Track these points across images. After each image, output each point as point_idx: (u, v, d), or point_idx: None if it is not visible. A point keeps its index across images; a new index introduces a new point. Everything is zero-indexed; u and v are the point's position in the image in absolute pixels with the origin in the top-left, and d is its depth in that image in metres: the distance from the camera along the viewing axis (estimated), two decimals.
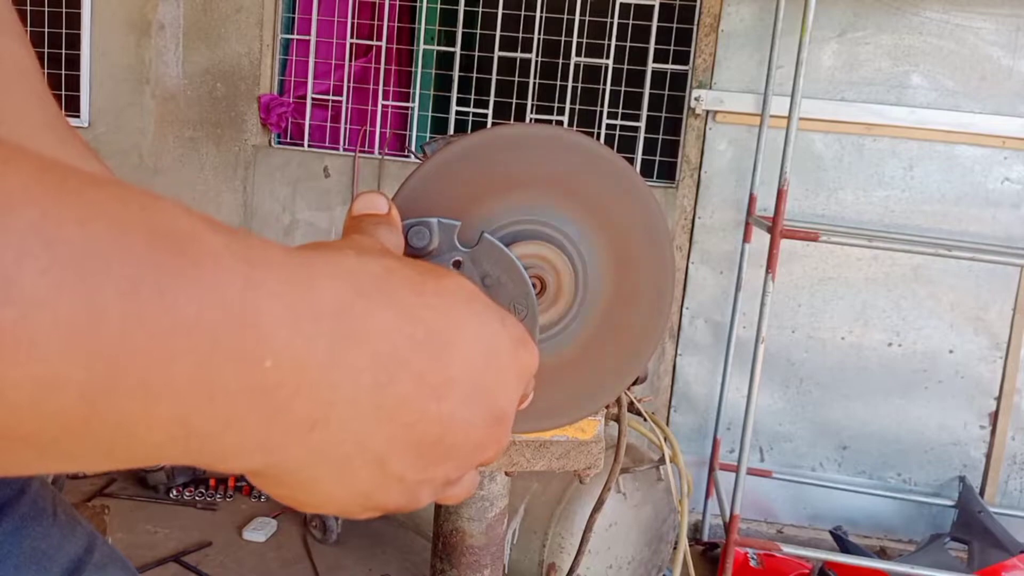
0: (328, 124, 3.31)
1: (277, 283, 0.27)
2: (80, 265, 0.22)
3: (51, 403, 0.22)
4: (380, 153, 3.21)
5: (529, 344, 0.36)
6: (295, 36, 3.28)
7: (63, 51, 3.28)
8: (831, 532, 2.76)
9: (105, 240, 0.23)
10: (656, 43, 3.03)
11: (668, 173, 3.12)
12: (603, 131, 3.11)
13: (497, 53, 3.14)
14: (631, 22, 3.04)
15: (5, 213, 0.21)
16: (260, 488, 0.32)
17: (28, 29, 3.24)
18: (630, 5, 3.03)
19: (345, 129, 3.29)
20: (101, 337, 0.22)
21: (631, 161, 2.69)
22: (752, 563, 2.60)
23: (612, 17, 3.04)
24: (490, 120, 3.17)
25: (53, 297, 0.21)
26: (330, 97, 3.28)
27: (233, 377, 0.26)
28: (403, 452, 0.31)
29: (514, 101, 3.17)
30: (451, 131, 3.21)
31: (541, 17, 3.11)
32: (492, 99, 3.15)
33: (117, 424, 0.24)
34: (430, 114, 3.31)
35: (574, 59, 3.09)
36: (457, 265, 0.43)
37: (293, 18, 3.29)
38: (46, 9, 3.25)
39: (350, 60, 3.27)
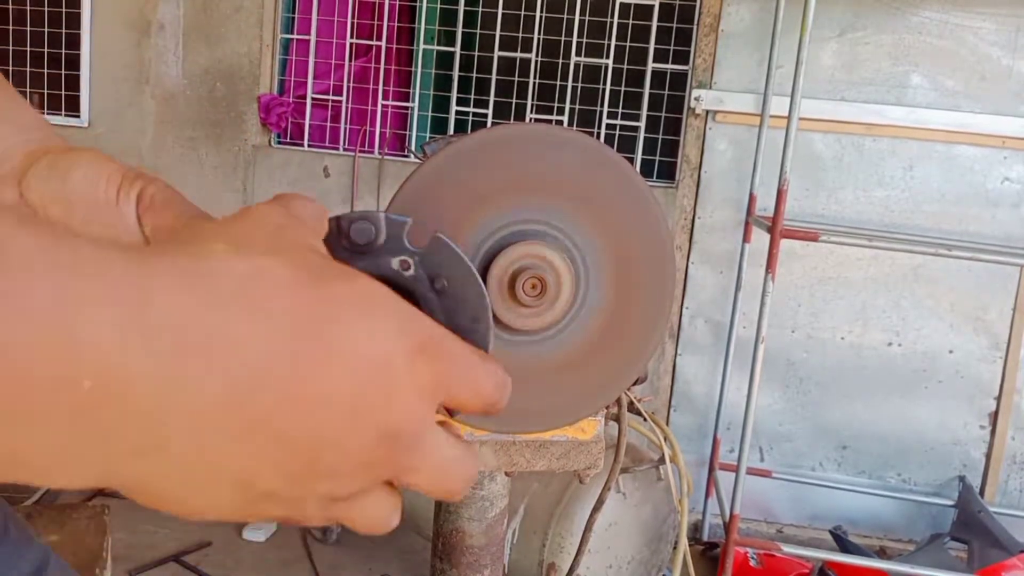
0: (328, 124, 3.31)
1: (102, 295, 0.24)
2: None
3: None
4: (380, 153, 3.21)
5: (440, 352, 0.31)
6: (295, 36, 3.28)
7: (63, 51, 3.28)
8: (831, 532, 2.76)
9: None
10: (656, 43, 3.03)
11: (668, 173, 3.12)
12: (603, 131, 3.11)
13: (497, 53, 3.14)
14: (631, 22, 3.04)
15: None
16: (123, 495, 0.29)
17: (28, 29, 3.25)
18: (630, 5, 3.03)
19: (345, 129, 3.29)
20: None
21: (631, 161, 2.69)
22: (752, 563, 2.60)
23: (612, 17, 3.04)
24: (490, 120, 3.17)
25: None
26: (330, 97, 3.28)
27: (47, 400, 0.23)
28: (270, 471, 0.28)
29: (514, 101, 3.17)
30: (451, 131, 3.21)
31: (541, 17, 3.12)
32: (492, 99, 3.16)
33: None
34: (430, 114, 3.31)
35: (574, 59, 3.10)
36: (404, 266, 0.38)
37: (293, 18, 3.29)
38: (46, 9, 3.25)
39: (350, 60, 3.27)
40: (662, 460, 2.02)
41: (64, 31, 3.26)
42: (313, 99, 3.28)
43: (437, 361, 0.31)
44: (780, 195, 2.29)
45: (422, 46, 3.25)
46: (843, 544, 2.67)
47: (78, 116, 3.29)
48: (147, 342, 0.25)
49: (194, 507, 0.29)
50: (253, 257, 0.28)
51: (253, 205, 0.33)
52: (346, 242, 0.38)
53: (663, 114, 3.08)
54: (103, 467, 0.26)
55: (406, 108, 3.32)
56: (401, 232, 0.38)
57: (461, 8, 3.12)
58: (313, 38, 3.24)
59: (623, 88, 3.10)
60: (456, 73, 3.18)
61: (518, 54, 3.14)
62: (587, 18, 3.10)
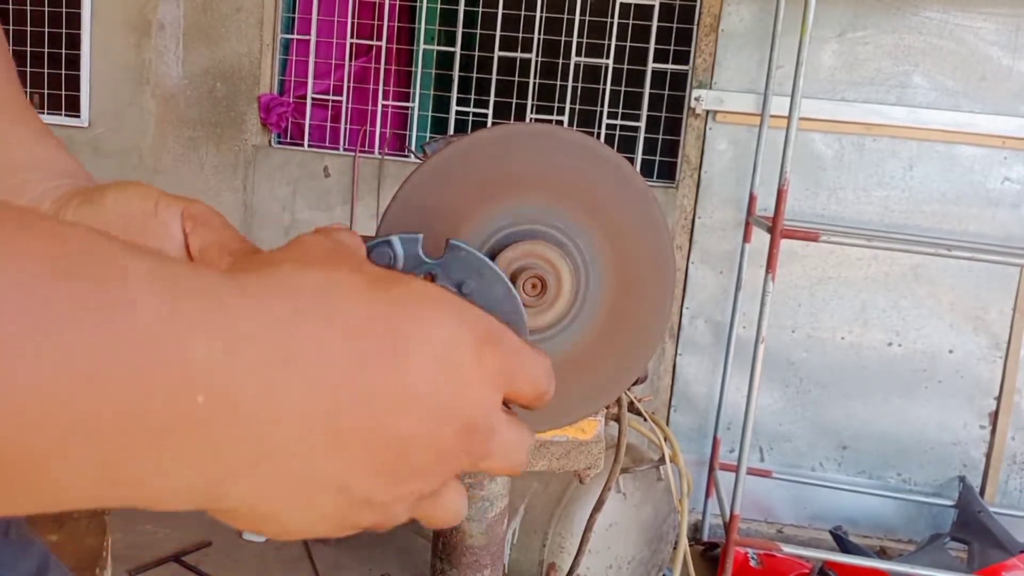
0: (328, 124, 3.31)
1: (203, 312, 0.25)
2: None
3: None
4: (380, 153, 3.21)
5: (499, 343, 0.33)
6: (295, 36, 3.28)
7: (63, 51, 3.28)
8: (831, 532, 2.76)
9: (12, 274, 0.21)
10: (656, 43, 3.03)
11: (668, 173, 3.12)
12: (603, 131, 3.11)
13: (497, 53, 3.14)
14: (631, 22, 3.04)
15: None
16: (223, 521, 0.30)
17: (28, 29, 3.25)
18: (630, 5, 3.03)
19: (345, 129, 3.30)
20: (10, 378, 0.21)
21: (631, 161, 2.69)
22: (752, 563, 2.60)
23: (612, 17, 3.04)
24: (490, 120, 3.17)
25: None
26: (330, 97, 3.28)
27: (162, 415, 0.24)
28: (365, 475, 0.29)
29: (514, 101, 3.17)
30: (451, 131, 3.21)
31: (541, 17, 3.11)
32: (492, 99, 3.15)
33: (27, 471, 0.22)
34: (430, 114, 3.31)
35: (574, 59, 3.09)
36: (431, 279, 0.40)
37: (293, 18, 3.29)
38: (46, 9, 3.25)
39: (350, 60, 3.27)
40: (662, 460, 2.02)
41: (64, 31, 3.26)
42: (313, 99, 3.28)
43: (500, 350, 0.32)
44: (780, 195, 2.29)
45: (422, 46, 3.25)
46: (843, 544, 2.67)
47: (78, 116, 3.29)
48: (248, 355, 0.26)
49: (298, 523, 0.30)
50: (323, 270, 0.30)
51: (301, 235, 0.35)
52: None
53: (663, 114, 3.08)
54: (216, 484, 0.27)
55: (406, 108, 3.32)
56: (416, 248, 0.40)
57: (461, 8, 3.12)
58: (313, 38, 3.24)
59: (623, 88, 3.10)
60: (456, 73, 3.18)
61: (518, 54, 3.14)
62: (587, 18, 3.10)
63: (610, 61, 3.05)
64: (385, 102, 3.26)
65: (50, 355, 0.22)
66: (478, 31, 3.19)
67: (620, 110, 3.11)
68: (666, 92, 3.07)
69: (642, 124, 3.08)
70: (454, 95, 3.19)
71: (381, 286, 0.30)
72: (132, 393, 0.23)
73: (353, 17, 3.23)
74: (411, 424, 0.29)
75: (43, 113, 3.31)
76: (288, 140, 3.33)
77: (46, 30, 3.27)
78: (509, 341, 0.33)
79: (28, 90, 3.28)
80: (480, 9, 3.25)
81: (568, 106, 3.12)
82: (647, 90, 3.05)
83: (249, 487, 0.27)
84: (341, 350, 0.28)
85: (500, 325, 0.34)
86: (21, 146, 0.45)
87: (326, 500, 0.29)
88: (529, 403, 0.35)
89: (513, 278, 0.53)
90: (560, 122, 3.10)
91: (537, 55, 3.11)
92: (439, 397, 0.30)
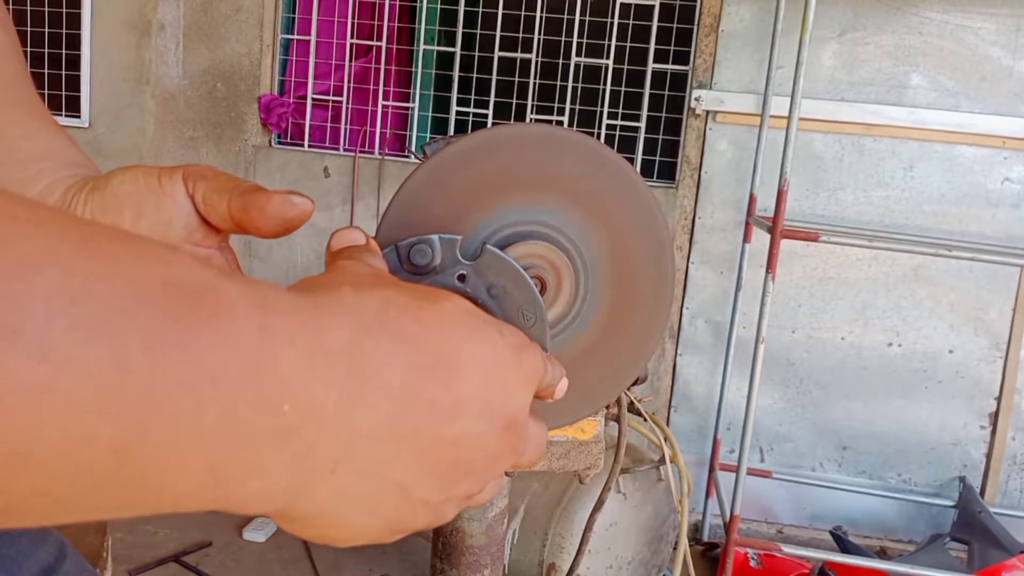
0: (328, 124, 3.31)
1: (290, 328, 0.28)
2: (105, 321, 0.23)
3: (82, 457, 0.23)
4: (380, 153, 3.22)
5: (530, 349, 0.36)
6: (295, 36, 3.28)
7: (63, 51, 3.28)
8: (831, 532, 2.76)
9: (127, 295, 0.23)
10: (656, 43, 3.03)
11: (668, 173, 3.12)
12: (603, 131, 3.11)
13: (497, 53, 3.14)
14: (631, 22, 3.04)
15: (32, 273, 0.21)
16: (289, 531, 0.33)
17: (28, 29, 3.25)
18: (630, 5, 3.03)
19: (345, 129, 3.30)
20: (128, 390, 0.23)
21: (631, 161, 2.69)
22: (752, 563, 2.60)
23: (612, 17, 3.04)
24: (490, 120, 3.17)
25: (82, 353, 0.22)
26: (330, 97, 3.29)
27: (255, 423, 0.26)
28: (424, 477, 0.32)
29: (514, 101, 3.17)
30: (451, 131, 3.21)
31: (541, 17, 3.12)
32: (492, 99, 3.16)
33: (145, 475, 0.24)
34: (430, 114, 3.31)
35: (574, 59, 3.10)
36: (462, 279, 0.43)
37: (293, 18, 3.29)
38: (46, 9, 3.25)
39: (350, 60, 3.27)
40: (662, 460, 2.02)
41: (64, 31, 3.26)
42: (313, 99, 3.28)
43: (533, 357, 0.36)
44: (780, 195, 2.29)
45: (422, 46, 3.25)
46: (843, 544, 2.67)
47: (78, 116, 3.29)
48: (327, 368, 0.28)
49: (363, 527, 0.33)
50: (378, 290, 0.33)
51: (338, 263, 0.39)
52: (408, 266, 0.43)
53: (663, 114, 3.08)
54: (301, 486, 0.29)
55: (406, 108, 3.32)
56: (454, 249, 0.43)
57: (461, 8, 3.12)
58: (313, 38, 3.24)
59: (623, 88, 3.10)
60: (456, 73, 3.18)
61: (518, 54, 3.14)
62: (587, 18, 3.10)
63: (610, 61, 3.05)
64: (385, 102, 3.26)
65: (163, 370, 0.24)
66: (478, 31, 3.19)
67: (620, 110, 3.11)
68: (666, 92, 3.07)
69: (642, 124, 3.08)
70: (454, 95, 3.19)
71: (430, 303, 0.33)
72: (233, 401, 0.25)
73: (353, 17, 3.23)
74: (464, 427, 0.32)
75: None
76: (288, 140, 3.33)
77: (46, 30, 3.27)
78: (536, 346, 0.37)
79: None
80: (480, 9, 3.25)
81: (568, 106, 3.12)
82: (647, 90, 3.05)
83: (328, 490, 0.30)
84: (404, 364, 0.31)
85: (525, 334, 0.37)
86: (35, 138, 0.47)
87: (388, 502, 0.32)
88: (548, 396, 0.40)
89: None
90: (560, 122, 3.10)
91: (537, 55, 3.11)
92: (486, 401, 0.33)
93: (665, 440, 1.93)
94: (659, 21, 3.02)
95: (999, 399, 2.94)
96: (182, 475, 0.25)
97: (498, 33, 3.12)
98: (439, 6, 3.28)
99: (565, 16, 3.12)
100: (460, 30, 3.14)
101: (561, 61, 3.12)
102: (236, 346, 0.26)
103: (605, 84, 3.08)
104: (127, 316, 0.23)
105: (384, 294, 0.32)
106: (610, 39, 3.05)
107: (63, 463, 0.22)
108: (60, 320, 0.21)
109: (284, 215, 0.42)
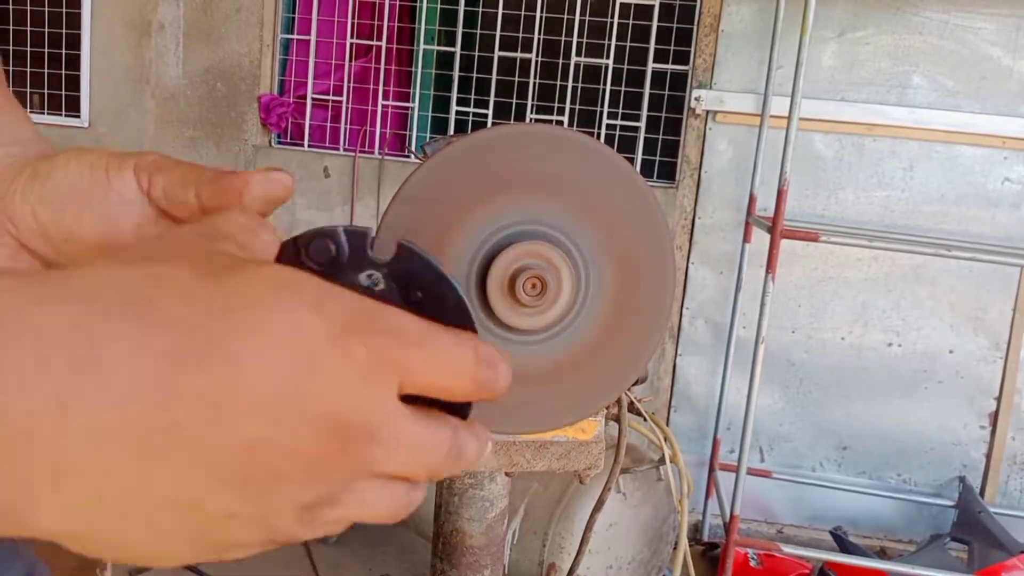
0: (328, 124, 3.31)
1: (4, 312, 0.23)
2: None
3: None
4: (380, 153, 3.21)
5: (375, 330, 0.28)
6: (295, 36, 3.28)
7: (63, 51, 3.28)
8: (831, 532, 2.76)
9: None
10: (656, 43, 3.02)
11: (668, 173, 3.12)
12: (603, 131, 3.10)
13: (497, 53, 3.14)
14: (631, 22, 3.04)
15: None
16: (68, 548, 0.27)
17: (28, 29, 3.25)
18: (630, 5, 3.03)
19: (345, 129, 3.29)
20: None
21: (631, 161, 2.68)
22: (752, 563, 2.60)
23: (612, 17, 3.04)
24: (490, 120, 3.16)
25: None
26: (330, 97, 3.28)
27: None
28: (212, 488, 0.26)
29: (514, 101, 3.16)
30: (451, 131, 3.21)
31: (541, 17, 3.11)
32: (492, 99, 3.15)
33: None
34: (430, 114, 3.31)
35: (574, 59, 3.09)
36: (373, 282, 0.35)
37: (293, 18, 3.29)
38: (46, 9, 3.25)
39: (350, 60, 3.27)
40: (662, 460, 2.02)
41: (64, 31, 3.26)
42: (313, 99, 3.28)
43: (373, 337, 0.28)
44: (780, 195, 2.29)
45: (422, 46, 3.25)
46: (843, 544, 2.67)
47: (78, 116, 3.29)
48: (41, 362, 0.24)
49: (149, 546, 0.27)
50: (144, 265, 0.27)
51: (173, 230, 0.32)
52: (308, 261, 0.35)
53: (663, 114, 3.08)
54: (15, 511, 0.25)
55: (406, 108, 3.32)
56: (364, 244, 0.35)
57: (461, 8, 3.12)
58: (313, 38, 3.24)
59: (623, 88, 3.10)
60: (456, 73, 3.18)
61: (518, 54, 3.14)
62: (587, 18, 3.10)
63: (610, 61, 3.05)
64: (385, 102, 3.26)
65: None
66: (478, 31, 3.19)
67: (620, 110, 3.11)
68: (666, 92, 3.07)
69: (642, 124, 3.08)
70: (454, 95, 3.19)
71: (216, 278, 0.27)
72: None
73: (353, 17, 3.23)
74: (255, 428, 0.26)
75: (43, 113, 3.31)
76: (288, 140, 3.33)
77: (46, 30, 3.27)
78: (393, 326, 0.29)
79: (28, 90, 3.29)
80: (480, 9, 3.25)
81: (568, 106, 3.12)
82: (647, 90, 3.05)
83: (56, 511, 0.25)
84: (155, 352, 0.25)
85: (381, 308, 0.29)
86: None
87: (170, 518, 0.26)
88: (470, 396, 0.30)
89: (513, 278, 0.53)
90: (560, 122, 3.10)
91: (537, 55, 3.11)
92: (289, 396, 0.26)
93: (665, 440, 1.93)
94: (659, 21, 3.02)
95: (999, 399, 2.94)
96: None
97: (498, 33, 3.12)
98: (439, 6, 3.28)
99: (565, 16, 3.12)
100: (460, 30, 3.14)
101: (561, 61, 3.12)
102: None
103: (605, 84, 3.08)
104: None
105: (150, 270, 0.27)
106: (610, 39, 3.05)
107: None
108: None
109: (269, 196, 0.38)
